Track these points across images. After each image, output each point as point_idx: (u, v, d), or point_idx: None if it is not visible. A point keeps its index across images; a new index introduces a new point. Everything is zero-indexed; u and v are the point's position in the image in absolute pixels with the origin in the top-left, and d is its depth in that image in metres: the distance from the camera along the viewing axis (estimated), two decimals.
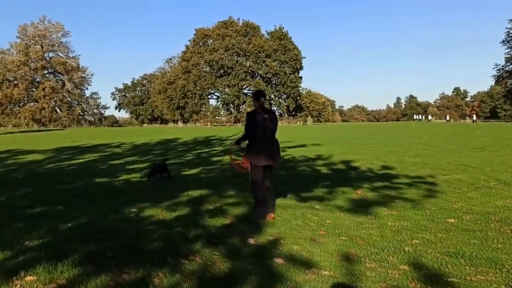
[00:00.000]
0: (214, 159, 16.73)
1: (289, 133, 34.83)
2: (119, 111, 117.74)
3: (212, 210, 7.18)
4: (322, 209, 6.90)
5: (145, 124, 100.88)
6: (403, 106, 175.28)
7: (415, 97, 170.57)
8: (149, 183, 11.05)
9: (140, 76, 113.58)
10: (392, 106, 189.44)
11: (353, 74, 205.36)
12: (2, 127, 77.50)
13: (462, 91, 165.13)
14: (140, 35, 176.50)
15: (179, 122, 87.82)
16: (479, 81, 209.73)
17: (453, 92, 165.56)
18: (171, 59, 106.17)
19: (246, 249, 4.96)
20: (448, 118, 77.24)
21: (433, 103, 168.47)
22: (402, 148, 17.69)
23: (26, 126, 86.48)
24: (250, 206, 7.18)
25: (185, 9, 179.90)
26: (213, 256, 4.76)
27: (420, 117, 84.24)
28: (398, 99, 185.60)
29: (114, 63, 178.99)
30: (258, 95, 6.47)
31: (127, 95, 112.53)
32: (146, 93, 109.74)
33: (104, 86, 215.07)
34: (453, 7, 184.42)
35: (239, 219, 6.46)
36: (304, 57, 75.81)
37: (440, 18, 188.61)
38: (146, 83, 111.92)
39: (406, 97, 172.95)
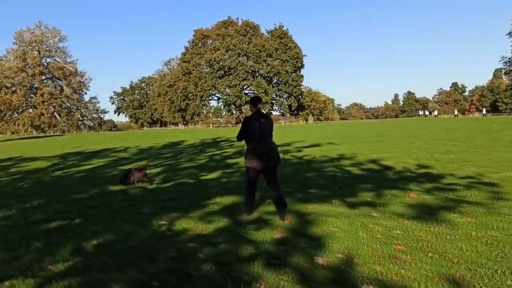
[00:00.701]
0: (230, 161, 15.89)
1: (297, 133, 34.03)
2: (118, 115, 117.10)
3: (254, 221, 6.35)
4: (381, 217, 6.08)
5: (145, 128, 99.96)
6: (401, 103, 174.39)
7: (413, 93, 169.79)
8: (169, 190, 10.22)
9: (138, 80, 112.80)
10: (390, 103, 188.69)
11: (350, 72, 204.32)
12: (1, 135, 76.48)
13: (460, 86, 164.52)
14: (137, 39, 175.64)
15: (179, 124, 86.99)
16: (477, 75, 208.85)
17: (451, 87, 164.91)
18: (169, 62, 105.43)
19: (318, 271, 4.14)
20: (456, 113, 76.16)
21: (431, 98, 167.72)
22: (428, 144, 16.85)
23: (25, 133, 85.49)
24: (298, 216, 6.37)
25: (181, 11, 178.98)
26: (280, 282, 3.93)
27: (426, 113, 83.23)
28: (396, 95, 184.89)
29: (112, 67, 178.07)
30: (256, 101, 6.68)
31: (125, 98, 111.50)
32: (145, 96, 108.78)
33: (102, 91, 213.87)
34: (447, 2, 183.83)
35: (291, 231, 5.63)
36: (305, 55, 75.37)
37: (435, 14, 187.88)
38: (145, 86, 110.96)
39: (404, 93, 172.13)
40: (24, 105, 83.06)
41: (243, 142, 6.72)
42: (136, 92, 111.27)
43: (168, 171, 14.20)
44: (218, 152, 20.24)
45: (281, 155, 16.87)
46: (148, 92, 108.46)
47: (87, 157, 22.86)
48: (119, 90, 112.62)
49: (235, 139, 7.07)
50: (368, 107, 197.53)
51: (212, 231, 5.94)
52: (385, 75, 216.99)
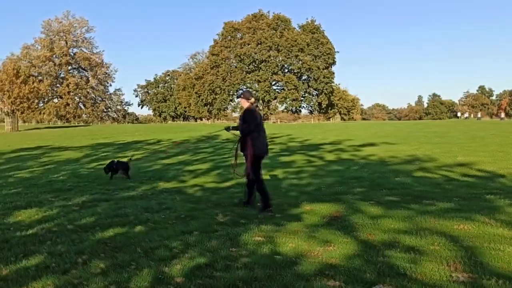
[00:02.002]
0: (282, 159, 14.20)
1: (336, 131, 32.15)
2: (141, 108, 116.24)
3: (390, 244, 4.62)
4: None
5: (168, 121, 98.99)
6: (426, 105, 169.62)
7: (439, 95, 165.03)
8: (234, 192, 8.60)
9: (162, 73, 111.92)
10: (413, 104, 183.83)
11: (372, 71, 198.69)
12: (26, 123, 76.42)
13: (487, 89, 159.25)
14: (163, 31, 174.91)
15: (203, 119, 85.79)
16: (504, 79, 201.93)
17: (477, 90, 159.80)
18: (195, 55, 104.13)
19: None
20: (502, 116, 72.24)
21: (457, 101, 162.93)
22: (510, 148, 14.83)
23: (49, 122, 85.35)
24: (456, 243, 4.62)
25: (209, 3, 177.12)
26: None
27: (466, 115, 79.61)
28: (420, 97, 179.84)
29: (137, 59, 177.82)
30: (248, 95, 7.00)
31: (149, 91, 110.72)
32: (169, 90, 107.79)
33: (127, 83, 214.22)
34: (473, 5, 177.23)
35: (469, 268, 3.88)
36: (338, 52, 72.89)
37: (461, 17, 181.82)
38: (169, 80, 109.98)
39: (429, 95, 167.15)
40: (50, 95, 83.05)
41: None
42: (160, 85, 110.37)
43: (219, 167, 12.59)
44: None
45: (337, 154, 15.24)
46: (172, 85, 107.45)
47: (119, 148, 21.49)
48: (143, 83, 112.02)
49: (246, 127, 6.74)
50: (391, 108, 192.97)
51: (342, 258, 4.24)
52: (409, 76, 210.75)
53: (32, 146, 24.82)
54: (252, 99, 6.97)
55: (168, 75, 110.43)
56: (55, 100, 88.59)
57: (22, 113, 50.49)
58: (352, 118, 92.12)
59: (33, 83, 48.15)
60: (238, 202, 7.32)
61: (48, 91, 74.68)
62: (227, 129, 7.56)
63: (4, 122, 51.97)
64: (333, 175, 10.17)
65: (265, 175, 10.75)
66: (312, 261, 4.16)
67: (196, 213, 6.72)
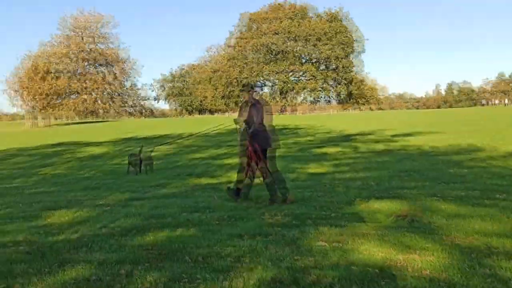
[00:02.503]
0: (318, 151, 13.50)
1: (365, 121, 31.24)
2: (158, 102, 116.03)
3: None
4: None
5: (186, 115, 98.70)
6: (444, 93, 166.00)
7: (457, 83, 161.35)
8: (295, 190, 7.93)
9: (178, 67, 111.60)
10: (431, 93, 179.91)
11: (389, 61, 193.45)
12: (44, 120, 76.84)
13: (508, 76, 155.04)
14: (178, 24, 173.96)
15: (219, 112, 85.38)
16: None
17: (496, 77, 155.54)
18: (211, 48, 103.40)
19: None
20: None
21: (477, 89, 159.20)
22: None
23: (67, 119, 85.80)
24: None
25: None
26: None
27: (497, 102, 77.11)
28: (438, 86, 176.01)
29: (153, 54, 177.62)
30: (249, 87, 6.88)
31: (165, 86, 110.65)
32: (185, 83, 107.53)
33: (143, 78, 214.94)
34: None
35: None
36: (356, 40, 71.06)
37: (479, 5, 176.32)
38: (185, 74, 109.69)
39: (448, 83, 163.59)
40: (68, 91, 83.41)
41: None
42: (176, 79, 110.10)
43: None
44: (291, 141, 17.90)
45: (373, 145, 14.47)
46: (188, 79, 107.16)
47: (141, 143, 20.99)
48: (159, 77, 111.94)
49: (247, 124, 6.76)
50: (408, 97, 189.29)
51: (437, 269, 3.55)
52: (426, 64, 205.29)
53: (53, 142, 24.55)
54: (253, 90, 6.90)
55: (184, 69, 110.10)
56: (73, 96, 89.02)
57: (42, 109, 50.66)
58: (370, 108, 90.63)
59: (51, 79, 48.19)
60: (269, 204, 6.66)
61: (66, 87, 74.86)
62: (236, 121, 7.22)
63: (24, 119, 52.42)
64: (378, 168, 9.46)
65: (301, 168, 10.12)
66: (401, 274, 3.48)
67: (239, 212, 6.09)
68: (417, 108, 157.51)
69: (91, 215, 6.38)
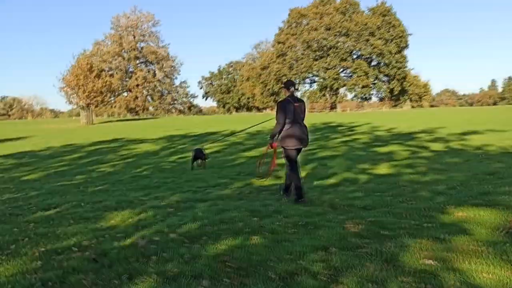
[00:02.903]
0: (377, 149, 12.66)
1: (422, 118, 29.77)
2: (205, 99, 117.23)
3: None
4: None
5: (233, 112, 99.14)
6: (500, 89, 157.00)
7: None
8: (349, 191, 7.31)
9: (226, 64, 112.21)
10: (486, 89, 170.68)
11: (440, 56, 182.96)
12: (99, 117, 79.43)
13: None
14: (226, 22, 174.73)
15: (267, 109, 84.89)
16: None
17: None
18: (259, 45, 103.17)
19: None
20: None
21: None
22: None
23: (118, 115, 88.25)
24: None
25: None
26: None
27: None
28: (493, 81, 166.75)
29: (201, 51, 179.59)
30: (289, 85, 6.86)
31: (213, 83, 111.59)
32: (232, 81, 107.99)
33: (191, 75, 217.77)
34: None
35: None
36: (411, 34, 68.52)
37: None
38: (232, 71, 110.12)
39: (504, 79, 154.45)
40: (120, 89, 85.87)
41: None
42: (224, 76, 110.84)
43: (311, 161, 11.32)
44: (349, 139, 17.08)
45: (442, 144, 13.44)
46: (235, 76, 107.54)
47: (195, 140, 20.85)
48: (207, 75, 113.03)
49: (275, 126, 6.72)
50: (462, 94, 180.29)
51: None
52: (480, 59, 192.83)
53: (108, 139, 24.94)
54: (292, 89, 6.84)
55: (231, 66, 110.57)
56: (125, 94, 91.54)
57: (96, 106, 52.18)
58: (421, 105, 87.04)
59: (105, 77, 49.49)
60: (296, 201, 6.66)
61: (118, 85, 77.02)
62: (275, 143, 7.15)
63: (78, 116, 54.17)
64: (457, 170, 8.58)
65: (370, 170, 9.39)
66: None
67: (316, 219, 5.50)
68: (471, 105, 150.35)
69: (156, 218, 6.01)
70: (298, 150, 6.81)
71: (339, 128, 23.22)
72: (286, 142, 6.65)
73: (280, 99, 7.04)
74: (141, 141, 21.92)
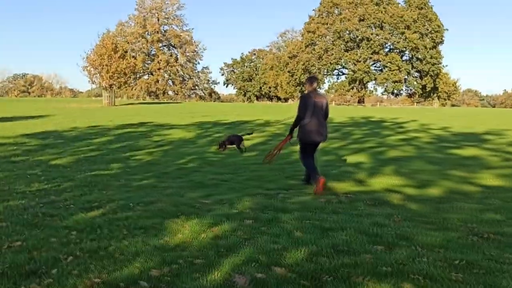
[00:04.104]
0: (460, 153, 10.97)
1: (469, 117, 27.82)
2: (226, 86, 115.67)
3: None
4: None
5: (255, 101, 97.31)
6: None
7: None
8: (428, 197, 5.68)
9: (249, 52, 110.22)
10: (510, 91, 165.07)
11: (464, 56, 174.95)
12: (119, 98, 78.49)
13: None
14: (250, 9, 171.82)
15: (289, 100, 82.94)
16: None
17: None
18: (285, 33, 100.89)
19: None
20: None
21: None
22: None
23: (137, 98, 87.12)
24: None
25: None
26: None
27: None
28: None
29: (223, 38, 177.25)
30: (313, 80, 7.04)
31: (235, 70, 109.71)
32: (254, 69, 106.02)
33: (213, 61, 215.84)
34: None
35: None
36: (447, 29, 65.30)
37: None
38: (255, 59, 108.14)
39: None
40: (141, 71, 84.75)
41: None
42: (246, 64, 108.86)
43: (388, 162, 9.68)
44: (405, 137, 15.37)
45: None
46: (258, 64, 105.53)
47: (228, 129, 19.31)
48: (230, 62, 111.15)
49: (295, 119, 6.90)
50: (484, 95, 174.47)
51: None
52: (505, 59, 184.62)
53: (134, 122, 23.58)
54: (315, 84, 7.01)
55: (254, 54, 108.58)
56: (146, 77, 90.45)
57: (118, 88, 50.98)
58: (442, 104, 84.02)
59: (129, 58, 48.19)
60: (303, 183, 7.21)
61: (140, 67, 75.80)
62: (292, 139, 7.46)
63: (97, 97, 53.22)
64: None
65: (471, 179, 7.73)
66: None
67: (473, 255, 3.90)
68: (493, 106, 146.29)
69: (238, 234, 4.50)
70: (316, 144, 7.05)
71: (384, 124, 21.43)
72: (303, 136, 6.85)
73: (302, 94, 7.25)
74: (171, 126, 20.48)
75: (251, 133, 12.86)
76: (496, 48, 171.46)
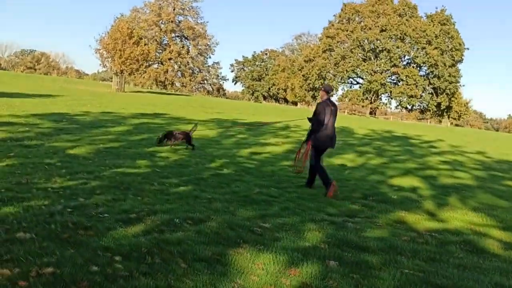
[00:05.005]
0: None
1: (501, 141, 26.84)
2: (235, 84, 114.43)
3: None
4: None
5: (263, 102, 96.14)
6: None
7: None
8: None
9: (261, 51, 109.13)
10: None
11: (469, 76, 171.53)
12: (128, 85, 77.34)
13: None
14: (266, 7, 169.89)
15: (298, 104, 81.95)
16: None
17: None
18: (300, 36, 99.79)
19: None
20: None
21: None
22: None
23: (142, 86, 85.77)
24: None
25: None
26: None
27: None
28: None
29: (236, 34, 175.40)
30: (328, 89, 7.60)
31: (245, 68, 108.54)
32: (265, 69, 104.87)
33: (224, 57, 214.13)
34: None
35: None
36: (468, 48, 64.20)
37: None
38: (267, 59, 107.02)
39: None
40: (153, 60, 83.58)
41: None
42: (257, 63, 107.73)
43: (439, 186, 8.65)
44: (442, 158, 14.35)
45: None
46: (269, 65, 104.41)
47: (249, 130, 18.27)
48: (241, 59, 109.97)
49: (315, 125, 7.26)
50: (489, 118, 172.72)
51: None
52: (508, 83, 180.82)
53: (148, 112, 22.58)
54: (331, 93, 7.61)
55: (266, 53, 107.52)
56: (155, 66, 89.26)
57: (130, 74, 49.90)
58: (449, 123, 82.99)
59: (144, 45, 47.11)
60: (305, 186, 7.56)
61: (153, 55, 74.63)
62: (310, 120, 7.62)
63: (104, 81, 52.06)
64: None
65: None
66: None
67: None
68: (497, 130, 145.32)
69: (329, 284, 3.48)
70: (326, 150, 7.46)
71: (411, 141, 20.40)
72: (320, 141, 7.21)
73: (319, 101, 7.57)
74: (188, 121, 19.40)
75: (195, 128, 11.60)
76: (502, 69, 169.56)
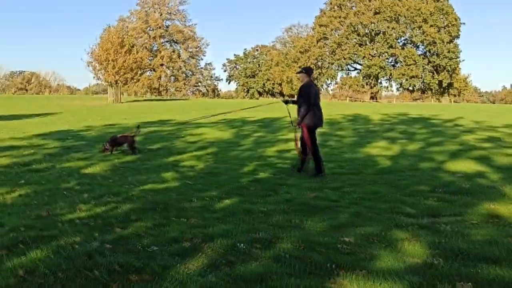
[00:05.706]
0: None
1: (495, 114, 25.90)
2: (229, 83, 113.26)
3: None
4: None
5: (260, 98, 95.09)
6: None
7: None
8: None
9: (252, 47, 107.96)
10: (509, 87, 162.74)
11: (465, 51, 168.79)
12: (123, 95, 76.18)
13: None
14: (253, 3, 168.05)
15: (295, 96, 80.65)
16: None
17: None
18: (290, 28, 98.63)
19: None
20: None
21: None
22: None
23: (135, 95, 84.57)
24: None
25: None
26: None
27: None
28: None
29: (226, 33, 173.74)
30: (311, 71, 7.84)
31: (238, 66, 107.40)
32: (258, 65, 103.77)
33: (216, 57, 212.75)
34: None
35: None
36: (464, 23, 63.13)
37: None
38: (258, 55, 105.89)
39: None
40: (145, 67, 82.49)
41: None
42: (249, 60, 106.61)
43: (496, 170, 7.74)
44: (455, 132, 13.44)
45: None
46: (261, 61, 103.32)
47: (261, 127, 17.35)
48: (232, 58, 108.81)
49: (303, 108, 7.39)
50: (484, 91, 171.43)
51: None
52: (504, 55, 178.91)
53: (153, 120, 21.67)
54: (313, 75, 7.88)
55: (257, 50, 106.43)
56: (148, 73, 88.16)
57: (124, 84, 48.87)
58: (450, 100, 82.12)
59: (137, 53, 46.08)
60: (291, 170, 7.80)
61: (146, 63, 73.52)
62: (286, 102, 8.18)
63: (97, 94, 50.97)
64: None
65: None
66: None
67: None
68: (493, 103, 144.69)
69: None
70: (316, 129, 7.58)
71: (432, 121, 19.47)
72: (312, 122, 7.39)
73: (303, 84, 7.57)
74: (197, 125, 18.48)
75: (139, 131, 11.07)
76: (494, 43, 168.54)
